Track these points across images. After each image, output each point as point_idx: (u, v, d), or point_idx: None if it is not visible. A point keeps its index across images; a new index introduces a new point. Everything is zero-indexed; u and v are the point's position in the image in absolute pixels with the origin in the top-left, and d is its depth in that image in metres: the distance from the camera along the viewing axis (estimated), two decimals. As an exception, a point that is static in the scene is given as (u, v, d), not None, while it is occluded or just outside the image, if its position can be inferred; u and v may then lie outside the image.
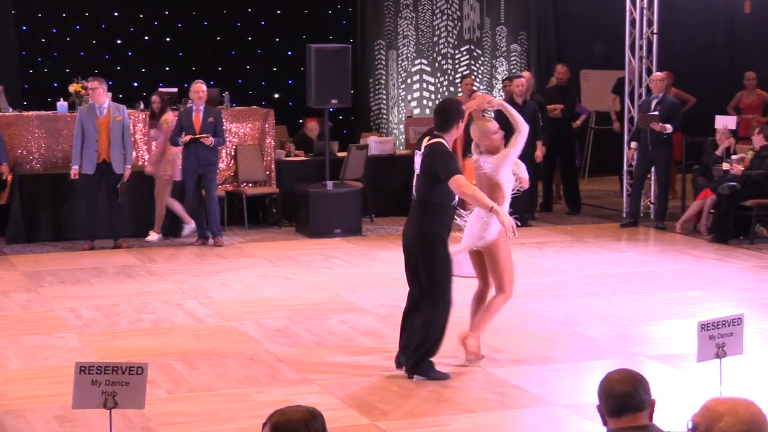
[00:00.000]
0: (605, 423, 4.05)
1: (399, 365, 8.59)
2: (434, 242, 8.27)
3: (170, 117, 14.43)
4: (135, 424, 7.44)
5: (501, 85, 18.56)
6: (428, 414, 7.74)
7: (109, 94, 14.22)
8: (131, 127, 14.69)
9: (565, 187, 16.82)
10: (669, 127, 14.84)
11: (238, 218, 15.40)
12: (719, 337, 6.88)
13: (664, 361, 8.88)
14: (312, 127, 16.49)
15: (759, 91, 17.56)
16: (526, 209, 15.50)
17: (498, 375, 8.58)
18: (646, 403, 4.01)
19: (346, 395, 8.11)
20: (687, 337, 8.76)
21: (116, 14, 18.19)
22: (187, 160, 14.14)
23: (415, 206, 8.45)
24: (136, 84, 18.00)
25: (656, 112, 14.90)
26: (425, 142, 8.36)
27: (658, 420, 4.07)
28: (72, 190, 14.14)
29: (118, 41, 18.19)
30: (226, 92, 16.18)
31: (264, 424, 3.70)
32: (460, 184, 8.12)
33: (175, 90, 15.93)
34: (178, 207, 14.48)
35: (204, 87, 14.21)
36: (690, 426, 3.60)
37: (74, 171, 13.80)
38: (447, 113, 8.39)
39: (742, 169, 14.09)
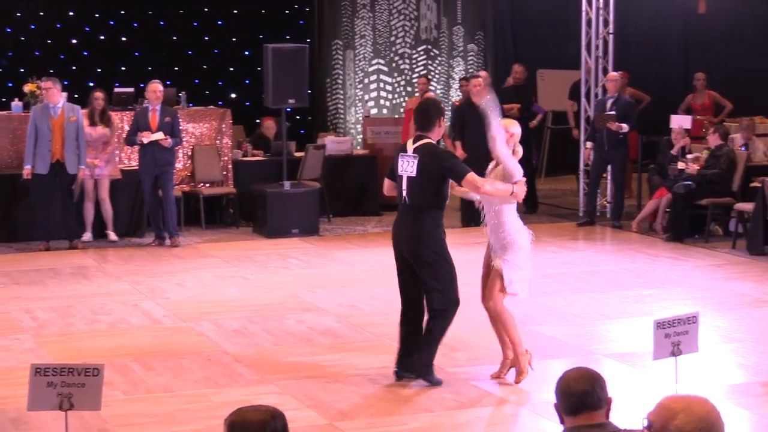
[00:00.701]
0: (562, 421, 4.06)
1: (399, 377, 8.34)
2: (441, 249, 8.14)
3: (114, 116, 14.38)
4: (91, 426, 7.39)
5: (458, 85, 18.58)
6: (386, 414, 7.73)
7: (64, 94, 14.11)
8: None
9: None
10: (625, 127, 14.92)
11: (194, 218, 15.35)
12: (675, 336, 6.93)
13: (621, 360, 8.93)
14: (269, 125, 16.46)
15: (709, 92, 17.69)
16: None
17: (456, 374, 8.59)
18: (603, 401, 4.03)
19: (304, 395, 8.09)
20: (643, 336, 8.80)
21: (71, 14, 18.08)
22: (144, 161, 14.07)
23: (408, 211, 8.13)
24: (91, 84, 17.86)
25: (613, 112, 14.98)
26: (412, 144, 8.15)
27: (614, 418, 4.09)
28: (27, 190, 14.03)
29: (74, 41, 18.09)
30: (183, 92, 16.12)
31: (224, 422, 3.70)
32: (475, 182, 7.96)
33: (131, 90, 15.85)
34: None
35: (160, 87, 14.15)
36: (645, 424, 3.62)
37: (27, 171, 13.67)
38: (429, 111, 8.24)
39: (697, 168, 14.19)
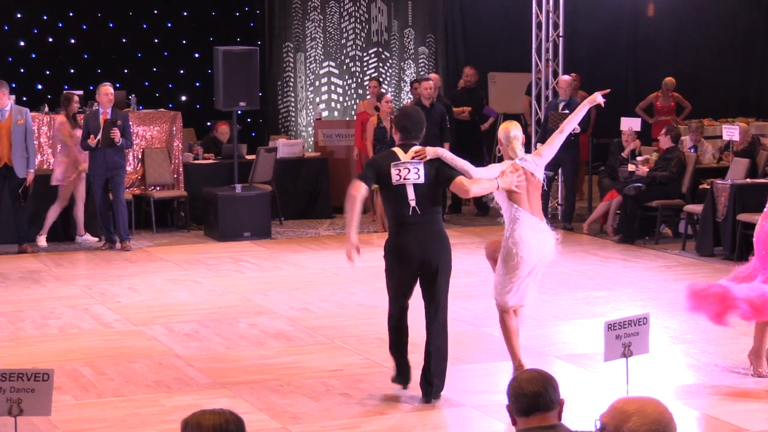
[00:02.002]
0: (514, 422, 4.07)
1: (429, 399, 8.00)
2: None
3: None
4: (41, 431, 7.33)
5: (409, 87, 18.60)
6: (339, 416, 7.73)
7: (12, 97, 14.00)
8: (35, 131, 14.49)
9: None
10: (578, 128, 15.00)
11: (146, 222, 15.27)
12: (626, 337, 6.97)
13: (572, 361, 8.97)
14: (223, 130, 16.37)
15: (673, 94, 17.88)
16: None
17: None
18: (556, 402, 4.04)
19: (256, 399, 8.07)
20: (594, 337, 8.85)
21: (19, 16, 17.91)
22: (94, 164, 13.97)
23: (420, 220, 7.80)
24: (40, 86, 17.77)
25: (566, 111, 15.06)
26: (404, 152, 7.87)
27: (566, 419, 4.10)
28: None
29: (21, 43, 17.93)
30: (133, 95, 16.03)
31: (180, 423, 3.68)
32: (463, 185, 7.79)
33: (80, 92, 15.74)
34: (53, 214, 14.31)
35: (111, 89, 14.05)
36: (598, 426, 3.64)
37: (-26, 175, 13.57)
38: (414, 118, 8.03)
39: (647, 170, 14.29)
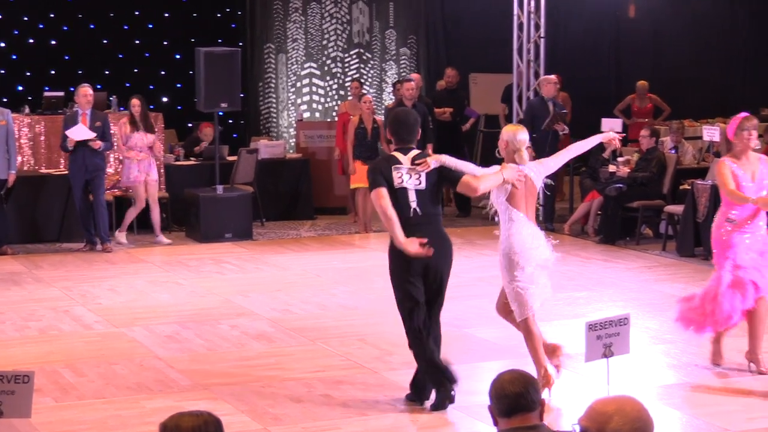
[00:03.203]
0: (496, 423, 4.08)
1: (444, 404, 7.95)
2: None
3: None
4: (22, 434, 7.30)
5: (391, 88, 18.61)
6: (320, 418, 7.72)
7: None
8: (16, 132, 14.44)
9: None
10: (566, 128, 15.08)
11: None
12: (606, 337, 6.97)
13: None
14: (207, 132, 16.33)
15: (650, 96, 17.93)
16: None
17: (390, 378, 8.60)
18: (537, 403, 4.05)
19: (237, 401, 8.05)
20: (575, 338, 8.86)
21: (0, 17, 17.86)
22: (74, 165, 13.93)
23: (423, 223, 7.77)
24: (20, 88, 17.70)
25: (565, 111, 15.15)
26: (404, 156, 7.84)
27: (547, 420, 4.11)
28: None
29: (2, 44, 17.87)
30: (114, 96, 15.99)
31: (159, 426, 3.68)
32: (470, 184, 7.82)
33: (61, 94, 15.70)
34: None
35: (90, 90, 14.02)
36: (578, 430, 3.64)
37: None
38: (410, 121, 8.03)
39: (628, 171, 14.32)
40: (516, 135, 8.11)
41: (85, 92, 13.95)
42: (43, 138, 15.34)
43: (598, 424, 3.56)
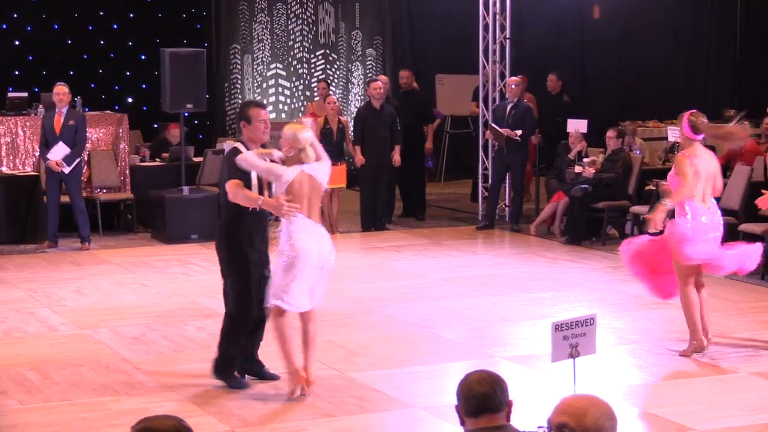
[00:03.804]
0: (463, 423, 4.08)
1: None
2: None
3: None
4: (-14, 437, 7.26)
5: (357, 89, 18.61)
6: (287, 419, 7.71)
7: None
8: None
9: (416, 192, 16.73)
10: (519, 132, 15.09)
11: (92, 225, 15.12)
12: (573, 338, 6.99)
13: (520, 362, 9.00)
14: (175, 134, 16.24)
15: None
16: (384, 213, 15.60)
17: (356, 379, 8.59)
18: (504, 404, 4.06)
19: (204, 402, 8.03)
20: (542, 338, 8.88)
21: (-38, 17, 17.75)
22: (50, 168, 13.92)
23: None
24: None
25: (502, 130, 15.14)
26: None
27: (515, 421, 4.12)
28: None
29: (-35, 45, 17.76)
30: (78, 97, 15.90)
31: (131, 429, 3.65)
32: (227, 188, 8.08)
33: (25, 94, 15.62)
34: None
35: (66, 89, 14.00)
36: (546, 430, 3.65)
37: None
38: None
39: (594, 171, 14.38)
40: (297, 134, 8.00)
41: (60, 90, 13.97)
42: (7, 139, 15.23)
43: (575, 418, 3.56)
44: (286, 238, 8.02)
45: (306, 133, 8.05)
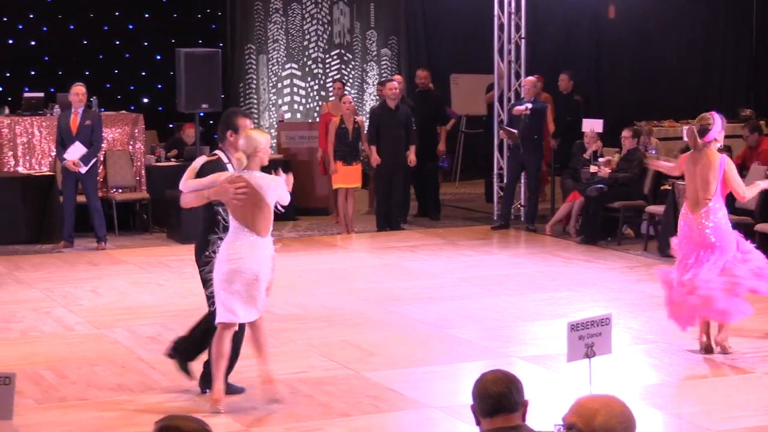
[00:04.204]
0: (478, 423, 4.08)
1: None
2: None
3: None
4: (3, 436, 7.28)
5: (373, 89, 18.62)
6: (302, 419, 7.71)
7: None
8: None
9: (430, 192, 16.75)
10: (529, 106, 15.09)
11: (108, 224, 15.16)
12: (588, 337, 6.99)
13: (536, 362, 8.99)
14: (190, 134, 16.28)
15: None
16: (399, 213, 15.59)
17: (372, 378, 8.59)
18: (520, 403, 4.05)
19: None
20: (557, 338, 8.87)
21: (-21, 18, 17.81)
22: (66, 168, 13.96)
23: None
24: (0, 89, 17.63)
25: (514, 131, 15.15)
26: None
27: (530, 420, 4.11)
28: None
29: (-19, 45, 17.82)
30: (94, 97, 15.92)
31: (155, 425, 3.65)
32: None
33: (41, 95, 15.66)
34: None
35: (84, 89, 14.03)
36: (562, 429, 3.65)
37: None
38: (220, 124, 8.26)
39: (609, 171, 14.35)
40: (240, 138, 7.97)
41: (78, 91, 13.99)
42: (23, 139, 15.27)
43: (584, 419, 3.57)
44: (224, 247, 7.86)
45: (248, 141, 7.92)
